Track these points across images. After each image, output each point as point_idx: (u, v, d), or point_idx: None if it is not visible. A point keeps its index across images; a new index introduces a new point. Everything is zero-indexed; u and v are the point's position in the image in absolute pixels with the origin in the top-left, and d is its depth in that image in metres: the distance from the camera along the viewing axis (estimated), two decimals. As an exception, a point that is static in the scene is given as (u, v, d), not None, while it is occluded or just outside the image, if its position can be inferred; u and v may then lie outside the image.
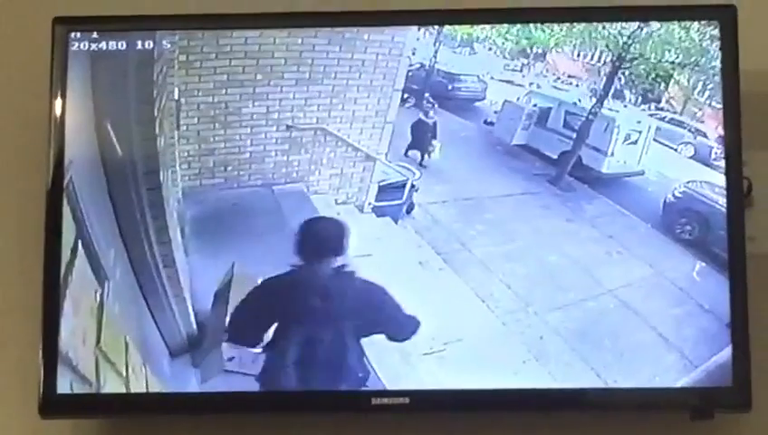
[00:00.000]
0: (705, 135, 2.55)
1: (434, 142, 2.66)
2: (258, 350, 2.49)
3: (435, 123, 2.67)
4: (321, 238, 2.53)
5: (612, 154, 2.66)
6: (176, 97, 2.59)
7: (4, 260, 2.65)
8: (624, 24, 2.53)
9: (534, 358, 2.47)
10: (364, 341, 2.50)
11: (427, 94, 2.70)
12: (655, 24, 2.53)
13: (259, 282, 2.52)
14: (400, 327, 2.49)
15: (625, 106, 2.61)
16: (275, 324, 2.51)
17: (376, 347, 2.51)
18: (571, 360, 2.46)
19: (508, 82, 2.73)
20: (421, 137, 2.68)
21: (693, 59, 2.52)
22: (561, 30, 2.58)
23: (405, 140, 2.71)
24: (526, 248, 2.57)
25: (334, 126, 2.67)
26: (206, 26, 2.56)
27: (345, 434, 2.56)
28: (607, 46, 2.55)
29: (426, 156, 2.67)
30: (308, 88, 2.62)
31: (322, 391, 2.46)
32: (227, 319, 2.50)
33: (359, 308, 2.52)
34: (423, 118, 2.68)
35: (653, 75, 2.57)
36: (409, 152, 2.71)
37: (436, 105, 2.68)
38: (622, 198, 2.61)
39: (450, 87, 2.77)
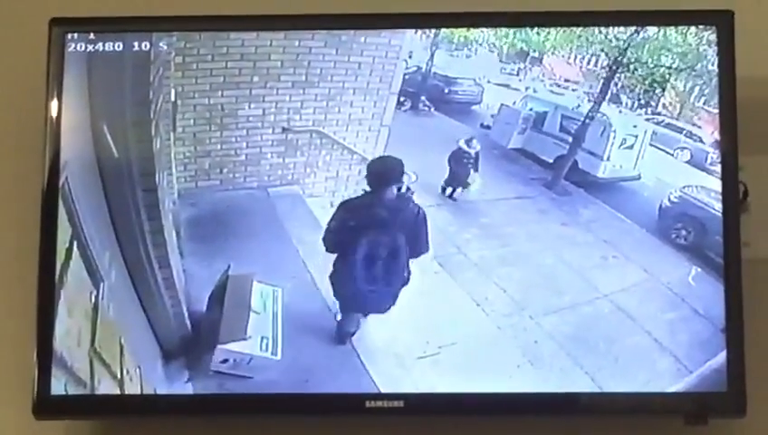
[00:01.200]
0: (701, 140, 2.55)
1: (473, 175, 2.65)
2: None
3: (477, 154, 2.65)
4: (383, 171, 2.58)
5: (608, 158, 2.66)
6: (172, 99, 2.59)
7: (0, 261, 2.65)
8: (621, 28, 2.52)
9: (529, 362, 2.47)
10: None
11: (423, 97, 2.70)
12: (652, 29, 2.52)
13: (336, 204, 2.57)
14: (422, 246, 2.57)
15: (621, 111, 2.61)
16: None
17: (371, 350, 2.52)
18: (565, 364, 2.46)
19: (505, 85, 2.73)
20: (460, 169, 2.67)
21: (689, 64, 2.52)
22: (558, 34, 2.58)
23: (439, 170, 2.68)
24: (522, 252, 2.57)
25: (330, 129, 2.67)
26: (202, 28, 2.56)
27: (339, 437, 2.57)
28: (603, 51, 2.55)
29: (459, 189, 2.68)
30: (304, 90, 2.63)
31: (316, 393, 2.46)
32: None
33: (409, 223, 2.57)
34: (464, 147, 2.65)
35: (649, 80, 2.57)
36: (447, 189, 2.70)
37: (432, 108, 2.68)
38: (618, 202, 2.61)
39: (446, 90, 2.77)
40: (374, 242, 2.56)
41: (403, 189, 2.57)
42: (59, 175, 2.46)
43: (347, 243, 2.55)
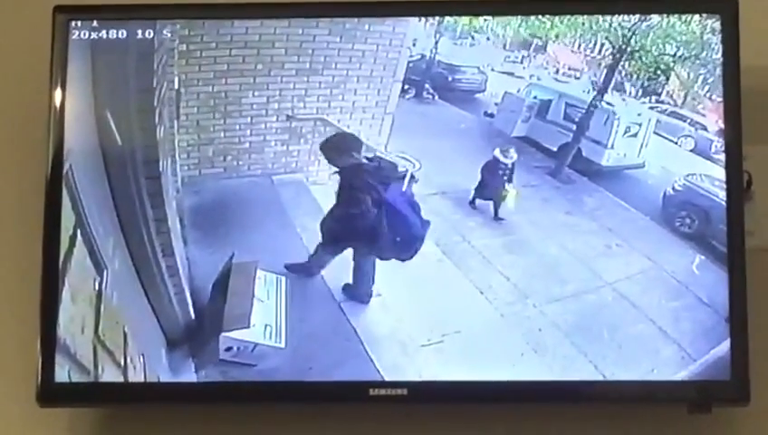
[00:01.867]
0: (705, 128, 2.55)
1: (508, 187, 2.62)
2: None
3: (513, 165, 2.63)
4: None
5: (612, 147, 2.66)
6: (176, 86, 2.59)
7: (3, 249, 2.65)
8: (625, 16, 2.52)
9: (533, 350, 2.47)
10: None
11: (427, 85, 2.70)
12: (656, 17, 2.52)
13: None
14: None
15: (625, 99, 2.61)
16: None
17: (374, 338, 2.52)
18: (569, 352, 2.46)
19: (508, 73, 2.73)
20: (494, 181, 2.63)
21: (694, 52, 2.51)
22: (562, 22, 2.57)
23: (470, 178, 2.64)
24: (525, 240, 2.57)
25: (334, 116, 2.66)
26: (206, 16, 2.56)
27: (343, 425, 2.56)
28: (608, 39, 2.54)
29: (498, 207, 2.64)
30: (308, 78, 2.63)
31: (319, 381, 2.46)
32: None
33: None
34: (499, 157, 2.62)
35: (654, 68, 2.56)
36: (477, 201, 2.66)
37: (436, 96, 2.68)
38: (622, 190, 2.61)
39: (450, 78, 2.76)
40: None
41: (407, 178, 2.57)
42: (62, 163, 2.46)
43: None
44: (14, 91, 2.70)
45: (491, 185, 2.62)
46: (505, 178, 2.61)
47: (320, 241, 2.57)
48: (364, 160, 2.60)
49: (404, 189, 2.59)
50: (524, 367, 2.45)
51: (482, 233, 2.61)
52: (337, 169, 2.60)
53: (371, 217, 2.56)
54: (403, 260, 2.54)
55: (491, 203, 2.65)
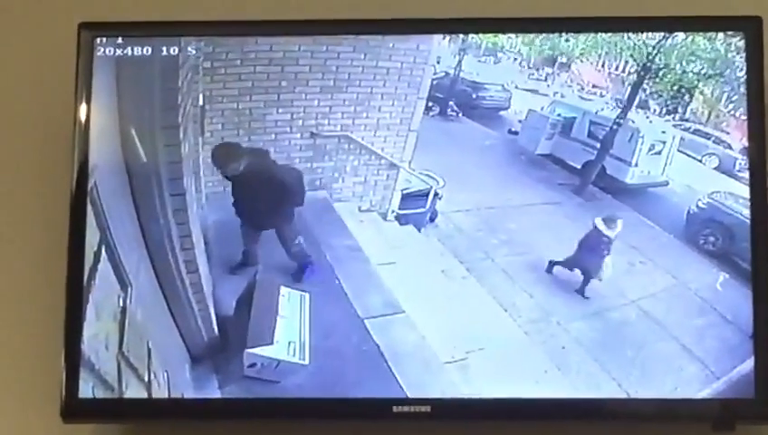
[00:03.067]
0: (729, 146, 2.55)
1: (606, 261, 2.56)
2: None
3: (615, 238, 2.54)
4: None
5: (636, 164, 2.66)
6: (200, 103, 2.60)
7: (29, 264, 2.66)
8: (649, 34, 2.52)
9: (556, 367, 2.47)
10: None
11: (451, 103, 2.70)
12: (680, 35, 2.52)
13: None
14: None
15: (649, 117, 2.61)
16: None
17: (398, 355, 2.52)
18: (592, 370, 2.46)
19: (533, 91, 2.74)
20: (591, 255, 2.55)
21: (718, 70, 2.52)
22: (587, 40, 2.58)
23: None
24: (549, 258, 2.56)
25: (358, 134, 2.67)
26: (230, 33, 2.56)
27: (366, 442, 2.57)
28: (632, 56, 2.55)
29: (587, 282, 2.57)
30: (332, 95, 2.63)
31: (343, 398, 2.46)
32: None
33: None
34: (602, 229, 2.54)
35: (678, 86, 2.56)
36: (557, 269, 2.59)
37: (460, 114, 2.68)
38: (646, 208, 2.61)
39: (474, 96, 2.77)
40: None
41: (431, 195, 2.58)
42: (87, 179, 2.47)
43: None
44: (39, 107, 2.70)
45: (586, 259, 2.55)
46: (606, 252, 2.54)
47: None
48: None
49: (427, 207, 2.60)
50: (548, 384, 2.45)
51: (505, 250, 2.61)
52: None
53: None
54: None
55: (579, 274, 2.58)
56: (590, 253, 2.54)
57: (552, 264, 2.56)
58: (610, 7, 2.55)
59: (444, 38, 2.60)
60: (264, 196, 2.62)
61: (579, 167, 2.71)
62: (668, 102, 2.59)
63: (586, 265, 2.55)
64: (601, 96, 2.65)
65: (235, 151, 2.58)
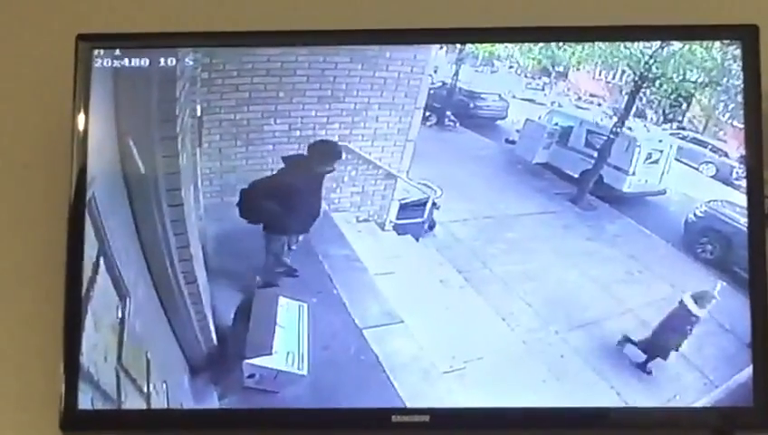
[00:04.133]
0: (726, 155, 2.55)
1: (685, 343, 2.51)
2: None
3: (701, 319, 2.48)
4: None
5: (634, 173, 2.66)
6: (198, 114, 2.60)
7: (27, 275, 2.66)
8: (646, 43, 2.53)
9: (555, 377, 2.47)
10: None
11: (448, 112, 2.70)
12: (677, 44, 2.53)
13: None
14: None
15: (646, 125, 2.61)
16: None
17: (396, 365, 2.52)
18: (591, 379, 2.46)
19: (530, 100, 2.74)
20: (673, 333, 2.49)
21: (715, 79, 2.52)
22: (583, 49, 2.58)
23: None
24: (547, 267, 2.57)
25: (356, 144, 2.67)
26: (228, 44, 2.57)
27: (365, 452, 2.57)
28: (629, 66, 2.55)
29: (651, 360, 2.50)
30: (330, 106, 2.63)
31: (342, 408, 2.46)
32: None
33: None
34: (691, 307, 2.47)
35: (675, 95, 2.56)
36: (629, 347, 2.50)
37: (457, 123, 2.68)
38: (643, 217, 2.61)
39: (472, 105, 2.77)
40: None
41: (428, 204, 2.58)
42: (86, 190, 2.48)
43: None
44: (37, 118, 2.71)
45: (666, 336, 2.49)
46: (690, 329, 2.49)
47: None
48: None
49: (425, 216, 2.61)
50: (546, 394, 2.46)
51: (503, 259, 2.60)
52: None
53: None
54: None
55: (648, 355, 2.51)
56: (672, 330, 2.49)
57: (626, 340, 2.50)
58: (607, 17, 2.56)
59: (441, 48, 2.60)
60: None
61: (576, 176, 2.71)
62: (665, 111, 2.59)
63: (663, 340, 2.49)
64: (599, 105, 2.64)
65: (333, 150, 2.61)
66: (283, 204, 2.61)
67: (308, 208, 2.60)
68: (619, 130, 2.62)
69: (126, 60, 2.51)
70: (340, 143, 2.62)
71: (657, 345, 2.48)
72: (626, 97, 2.59)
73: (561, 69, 2.64)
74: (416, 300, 2.57)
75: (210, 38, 2.57)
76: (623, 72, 2.57)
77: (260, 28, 2.59)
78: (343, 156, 2.60)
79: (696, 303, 2.47)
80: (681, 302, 2.47)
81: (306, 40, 2.57)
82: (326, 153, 2.59)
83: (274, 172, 2.58)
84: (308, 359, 2.50)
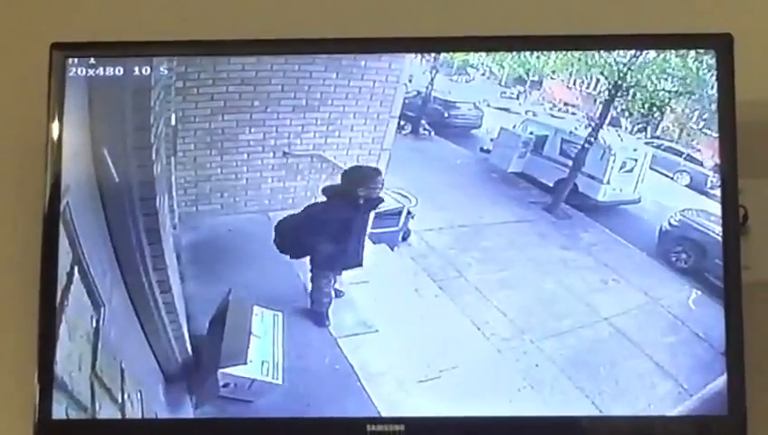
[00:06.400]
0: (701, 163, 2.55)
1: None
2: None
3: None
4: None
5: (608, 182, 2.66)
6: (172, 123, 2.59)
7: (0, 285, 2.65)
8: (620, 52, 2.53)
9: (530, 386, 2.47)
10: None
11: (423, 121, 2.70)
12: (651, 53, 2.53)
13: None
14: None
15: (620, 134, 2.61)
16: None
17: (371, 374, 2.52)
18: (566, 388, 2.46)
19: (504, 109, 2.73)
20: None
21: (689, 88, 2.52)
22: (558, 58, 2.58)
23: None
24: (522, 276, 2.56)
25: (331, 153, 2.66)
26: (203, 52, 2.56)
27: (340, 461, 2.56)
28: (603, 74, 2.55)
29: None
30: (305, 115, 2.62)
31: (317, 417, 2.46)
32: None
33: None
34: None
35: (649, 104, 2.57)
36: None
37: (432, 132, 2.68)
38: (618, 225, 2.61)
39: (446, 114, 2.76)
40: None
41: (404, 213, 2.58)
42: (60, 199, 2.47)
43: None
44: (11, 127, 2.70)
45: None
46: None
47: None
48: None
49: (400, 225, 2.61)
50: (521, 403, 2.46)
51: (478, 268, 2.60)
52: None
53: None
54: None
55: None
56: None
57: None
58: (581, 25, 2.57)
59: (416, 57, 2.60)
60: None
61: (551, 185, 2.71)
62: (640, 120, 2.60)
63: None
64: (573, 114, 2.65)
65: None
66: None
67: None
68: (593, 139, 2.62)
69: (100, 69, 2.51)
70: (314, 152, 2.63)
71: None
72: (600, 106, 2.59)
73: (535, 78, 2.63)
74: (390, 309, 2.56)
75: (184, 47, 2.56)
76: (597, 80, 2.57)
77: (235, 37, 2.58)
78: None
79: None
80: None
81: (281, 49, 2.57)
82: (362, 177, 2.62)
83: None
84: (282, 368, 2.50)
